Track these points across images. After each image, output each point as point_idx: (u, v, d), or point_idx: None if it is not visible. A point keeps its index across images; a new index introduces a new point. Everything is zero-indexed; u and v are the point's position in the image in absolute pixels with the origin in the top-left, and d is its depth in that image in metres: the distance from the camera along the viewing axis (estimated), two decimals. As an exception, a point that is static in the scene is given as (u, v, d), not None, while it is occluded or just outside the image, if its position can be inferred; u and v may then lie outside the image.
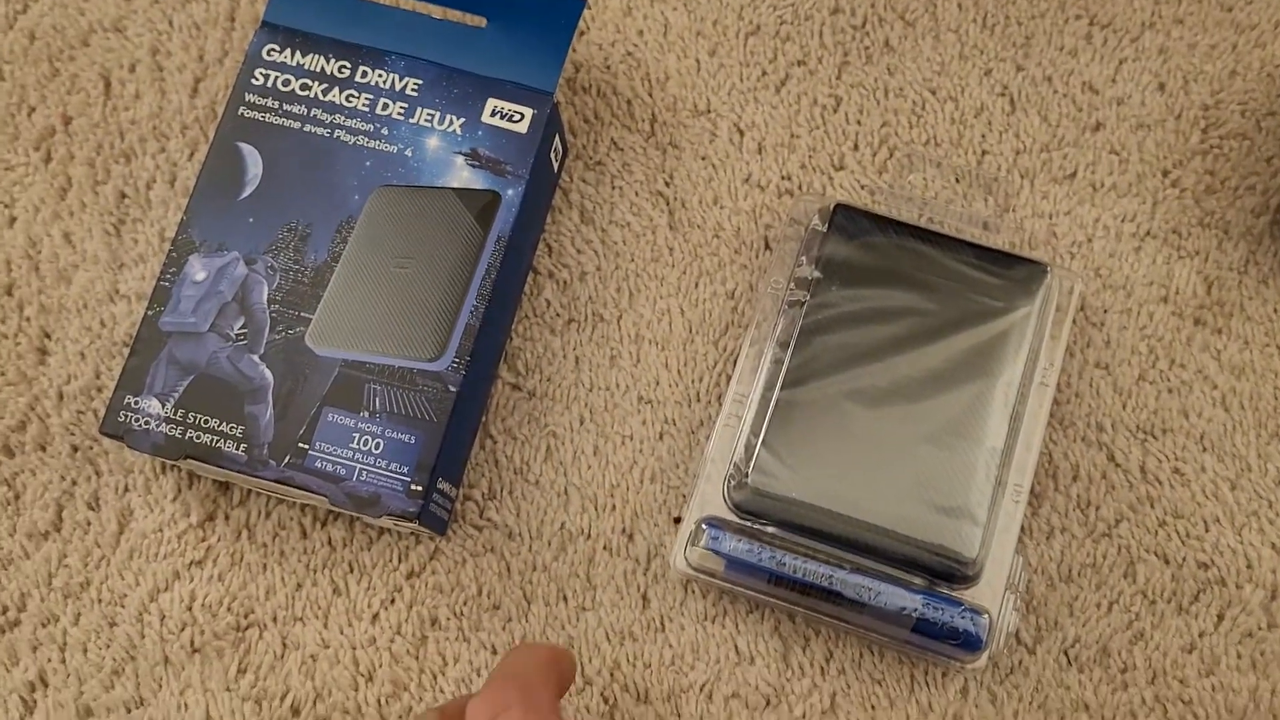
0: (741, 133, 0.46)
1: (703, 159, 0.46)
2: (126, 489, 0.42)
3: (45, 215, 0.45)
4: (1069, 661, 0.40)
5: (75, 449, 0.42)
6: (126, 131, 0.46)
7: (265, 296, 0.39)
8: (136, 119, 0.46)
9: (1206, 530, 0.41)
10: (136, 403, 0.38)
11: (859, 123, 0.46)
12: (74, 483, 0.42)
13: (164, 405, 0.38)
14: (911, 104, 0.46)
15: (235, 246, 0.40)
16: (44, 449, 0.43)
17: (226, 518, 0.42)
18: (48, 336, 0.44)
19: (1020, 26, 0.47)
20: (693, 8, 0.47)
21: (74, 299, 0.44)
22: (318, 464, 0.38)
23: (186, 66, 0.47)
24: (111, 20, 0.48)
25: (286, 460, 0.38)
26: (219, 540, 0.41)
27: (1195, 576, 0.41)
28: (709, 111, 0.46)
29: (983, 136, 0.46)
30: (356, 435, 0.38)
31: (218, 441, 0.38)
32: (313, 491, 0.38)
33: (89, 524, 0.42)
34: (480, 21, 0.42)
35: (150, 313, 0.39)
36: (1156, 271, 0.44)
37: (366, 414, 0.38)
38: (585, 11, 0.47)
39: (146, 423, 0.38)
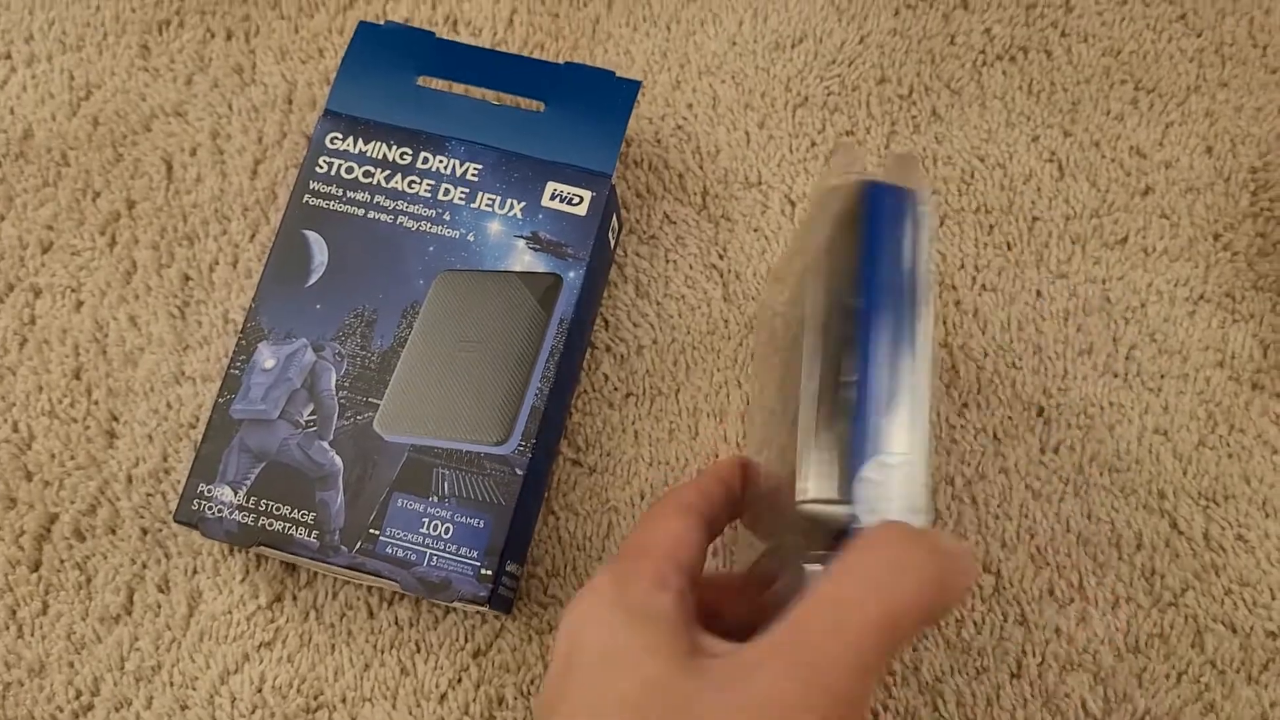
0: (793, 204, 0.46)
1: (755, 230, 0.46)
2: (195, 571, 0.43)
3: (111, 299, 0.46)
4: (1139, 733, 0.40)
5: (145, 532, 0.43)
6: (189, 214, 0.47)
7: (333, 383, 0.40)
8: (198, 202, 0.47)
9: (1273, 598, 0.41)
10: (210, 490, 0.39)
11: (909, 192, 0.46)
12: (144, 566, 0.43)
13: (236, 493, 0.39)
14: (960, 171, 0.46)
15: (303, 333, 0.40)
16: (114, 532, 0.43)
17: (294, 598, 0.42)
18: (115, 419, 0.45)
19: (1066, 93, 0.47)
20: (740, 81, 0.48)
21: (140, 382, 0.45)
22: (388, 549, 0.38)
23: (246, 149, 0.48)
24: (172, 105, 0.49)
25: (358, 546, 0.38)
26: (287, 621, 0.42)
27: (1264, 645, 0.40)
28: (760, 183, 0.47)
29: (1032, 203, 0.46)
30: (426, 520, 0.38)
31: (290, 529, 0.38)
32: (384, 577, 0.38)
33: (159, 607, 0.42)
34: (538, 106, 0.43)
35: (221, 400, 0.40)
36: (1212, 336, 0.44)
37: (435, 499, 0.38)
38: (636, 87, 0.48)
39: (220, 510, 0.39)
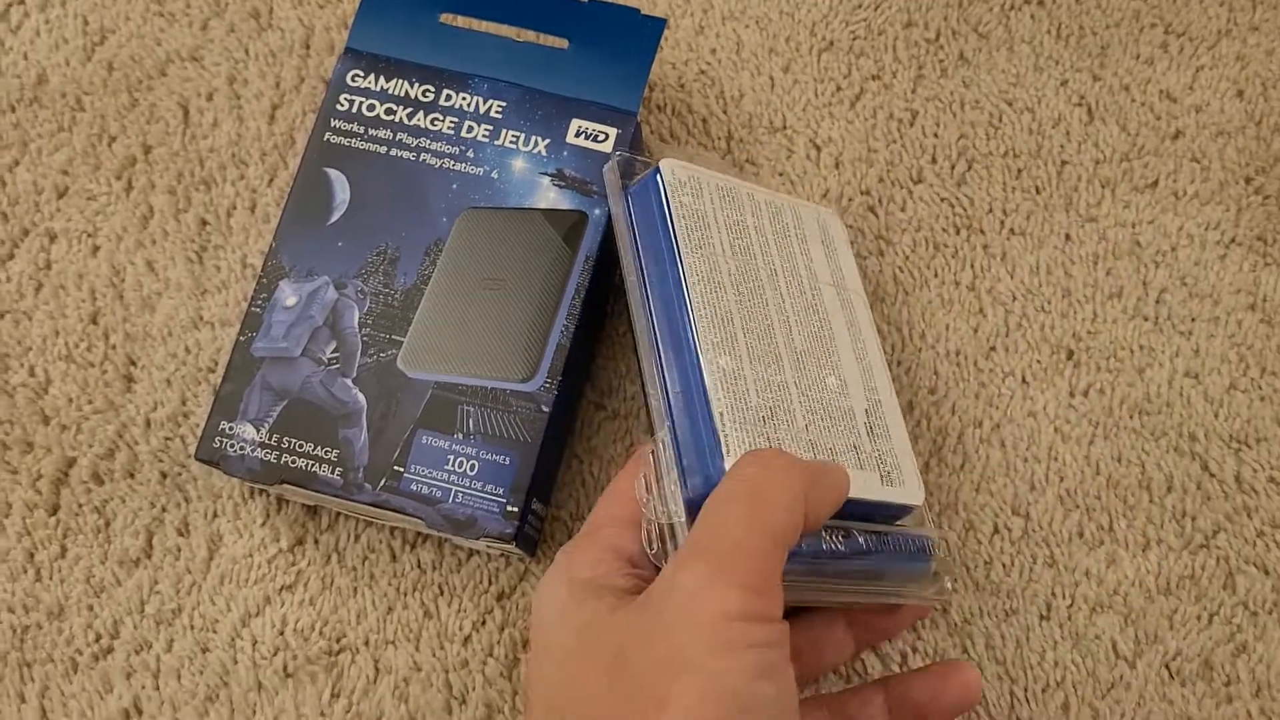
0: (818, 148, 0.46)
1: (780, 175, 0.46)
2: (215, 515, 0.42)
3: (128, 244, 0.46)
4: (1171, 675, 0.39)
5: (164, 475, 0.43)
6: (206, 159, 0.47)
7: (356, 320, 0.39)
8: (215, 147, 0.47)
9: (1307, 540, 0.40)
10: (231, 429, 0.38)
11: (936, 135, 0.46)
12: (163, 509, 0.42)
13: (258, 430, 0.38)
14: (988, 116, 0.46)
15: (325, 271, 0.40)
16: (133, 476, 0.43)
17: (316, 542, 0.42)
18: (133, 364, 0.44)
19: (1095, 36, 0.47)
20: (765, 25, 0.47)
21: (158, 326, 0.44)
22: (413, 487, 0.38)
23: (263, 94, 0.47)
24: (189, 50, 0.48)
25: (382, 483, 0.38)
26: (309, 564, 0.41)
27: (1298, 587, 0.40)
28: (785, 128, 0.46)
29: (1061, 147, 0.45)
30: (451, 457, 0.38)
31: (313, 466, 0.38)
32: (409, 514, 0.38)
33: (179, 550, 0.42)
34: (562, 43, 0.42)
35: (242, 338, 0.39)
36: (1243, 279, 0.44)
37: (460, 436, 0.38)
38: (658, 31, 0.47)
39: (241, 448, 0.38)
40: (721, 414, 0.32)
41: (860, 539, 0.33)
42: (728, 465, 0.31)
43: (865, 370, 0.38)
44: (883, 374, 0.38)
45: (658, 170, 0.36)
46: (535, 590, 0.32)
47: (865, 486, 0.35)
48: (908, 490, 0.36)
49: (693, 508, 0.31)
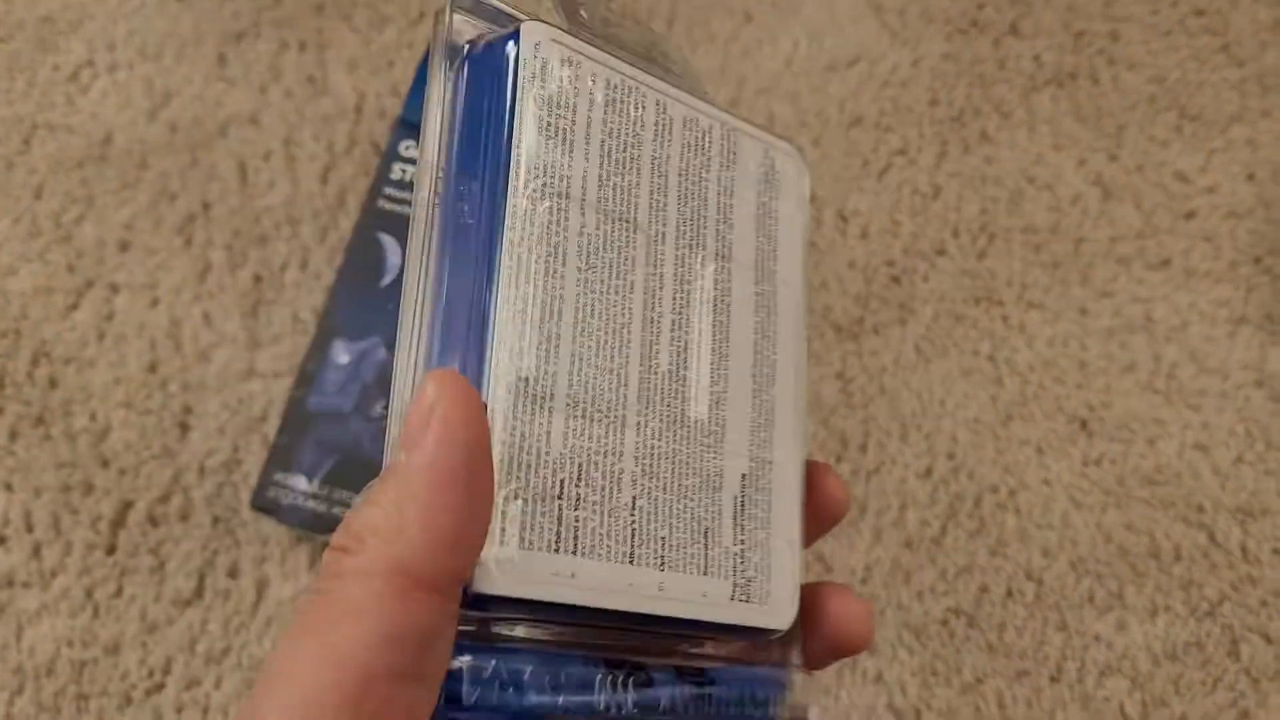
0: (845, 220, 0.48)
1: (810, 245, 0.48)
2: (264, 559, 0.44)
3: (186, 297, 0.48)
4: (1176, 739, 0.41)
5: (216, 520, 0.45)
6: (261, 217, 0.49)
7: (405, 380, 0.41)
8: (270, 205, 0.49)
9: (1309, 611, 0.42)
10: (285, 479, 0.41)
11: (958, 210, 0.48)
12: (215, 553, 0.44)
13: (310, 482, 0.41)
14: (1009, 192, 0.48)
15: (376, 332, 0.42)
16: (186, 519, 0.45)
17: (358, 587, 0.44)
18: (189, 412, 0.46)
19: (1112, 118, 0.49)
20: (796, 100, 0.50)
21: (213, 377, 0.47)
22: (456, 540, 0.40)
23: (316, 156, 0.50)
24: (247, 113, 0.51)
25: (426, 536, 0.40)
26: (351, 609, 0.43)
27: (1300, 657, 0.42)
28: (814, 199, 0.48)
29: (1079, 224, 0.47)
30: (492, 513, 0.40)
31: (362, 518, 0.40)
32: (451, 566, 0.40)
33: (229, 592, 0.44)
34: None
35: (297, 393, 0.42)
36: (1251, 356, 0.45)
37: (501, 492, 0.40)
38: (694, 104, 0.49)
39: (295, 499, 0.40)
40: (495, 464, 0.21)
41: (664, 689, 0.23)
42: (479, 575, 0.21)
43: (762, 411, 0.25)
44: (790, 421, 0.26)
45: (515, 36, 0.23)
46: None
47: (705, 598, 0.24)
48: (770, 609, 0.25)
49: None
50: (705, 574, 0.24)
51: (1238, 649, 0.42)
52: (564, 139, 0.23)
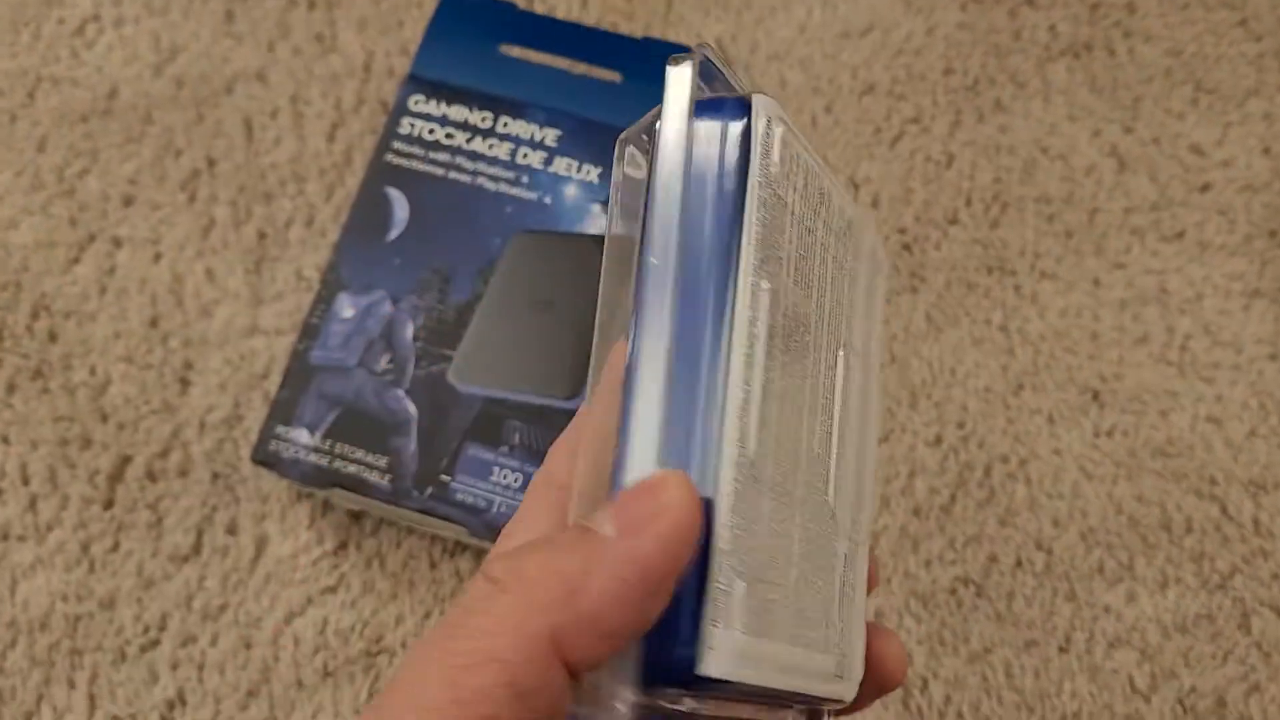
0: (857, 186, 0.47)
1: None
2: (263, 516, 0.44)
3: (189, 253, 0.47)
4: (1185, 711, 0.40)
5: (215, 476, 0.44)
6: (267, 174, 0.48)
7: (410, 334, 0.41)
8: (276, 163, 0.49)
9: (1322, 585, 0.42)
10: (287, 433, 0.40)
11: (971, 179, 0.47)
12: (214, 509, 0.44)
13: (312, 435, 0.40)
14: (1023, 162, 0.47)
15: (382, 286, 0.42)
16: (185, 475, 0.44)
17: (359, 547, 0.43)
18: (190, 368, 0.46)
19: (1128, 90, 0.48)
20: (809, 67, 0.49)
21: (215, 333, 0.46)
22: (459, 496, 0.39)
23: (324, 114, 0.49)
24: (255, 69, 0.50)
25: (429, 492, 0.39)
26: (351, 568, 0.43)
27: (1312, 630, 0.41)
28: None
29: (1093, 195, 0.47)
30: (496, 469, 0.39)
31: (364, 472, 0.39)
32: (454, 522, 0.39)
33: (227, 549, 0.43)
34: (615, 76, 0.44)
35: (300, 346, 0.41)
36: (1265, 329, 0.45)
37: (506, 449, 0.39)
38: (706, 68, 0.49)
39: (296, 452, 0.40)
40: (722, 553, 0.20)
41: None
42: (708, 657, 0.20)
43: (858, 493, 0.26)
44: (870, 498, 0.27)
45: (747, 107, 0.22)
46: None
47: (816, 674, 0.24)
48: (849, 683, 0.25)
49: (645, 686, 0.20)
50: (825, 653, 0.24)
51: (1248, 622, 0.41)
52: (778, 221, 0.22)
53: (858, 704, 0.26)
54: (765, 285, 0.21)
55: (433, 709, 0.19)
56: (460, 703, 0.19)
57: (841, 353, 0.25)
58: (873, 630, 0.26)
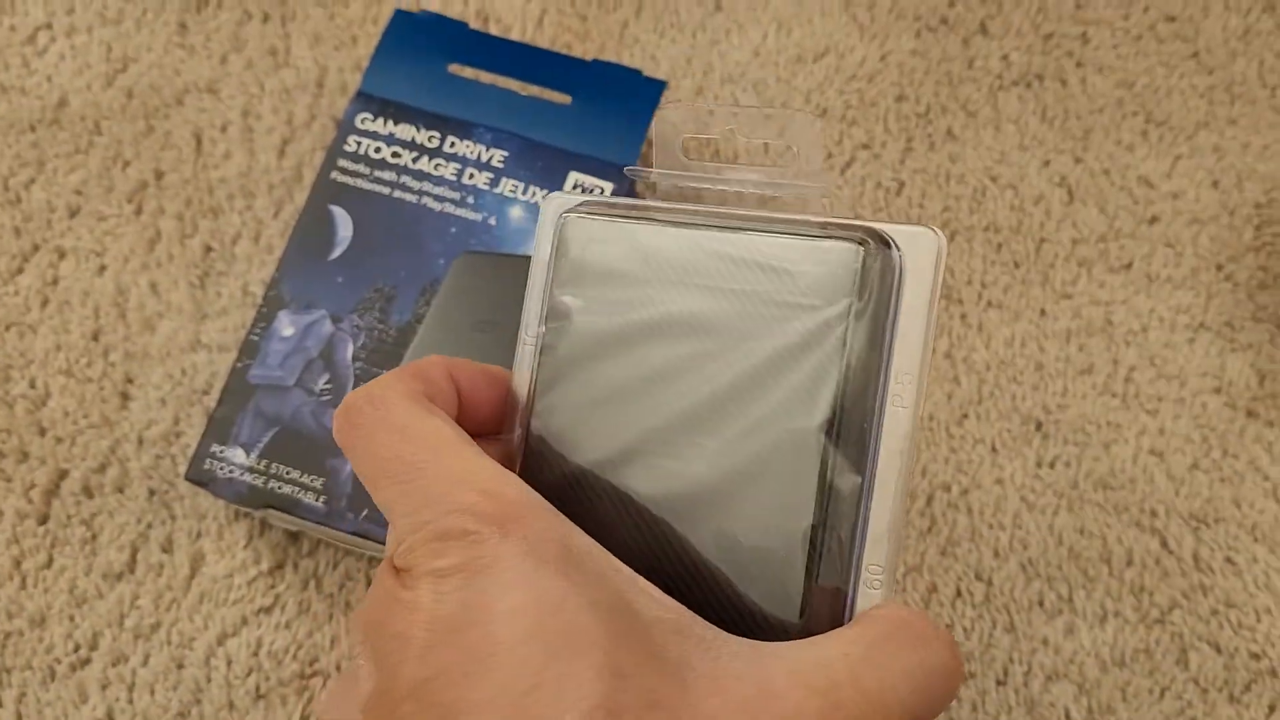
0: (807, 212, 0.47)
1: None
2: (200, 534, 0.43)
3: (134, 265, 0.47)
4: (1120, 745, 0.40)
5: (152, 493, 0.44)
6: (215, 188, 0.48)
7: (350, 354, 0.40)
8: (225, 177, 0.48)
9: (1258, 620, 0.42)
10: (222, 451, 0.40)
11: (921, 206, 0.47)
12: (149, 526, 0.43)
13: (248, 455, 0.40)
14: (972, 190, 0.48)
15: (323, 305, 0.41)
16: (122, 491, 0.44)
17: (296, 567, 0.43)
18: (130, 382, 0.45)
19: (1079, 121, 0.48)
20: (763, 90, 0.49)
21: (157, 347, 0.46)
22: (394, 518, 0.39)
23: (275, 129, 0.49)
24: (206, 82, 0.50)
25: (364, 514, 0.39)
26: (287, 589, 0.43)
27: (1247, 666, 0.41)
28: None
29: (1041, 225, 0.47)
30: (432, 492, 0.39)
31: (298, 493, 0.39)
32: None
33: (162, 567, 0.43)
34: (565, 99, 0.44)
35: (239, 365, 0.41)
36: (1210, 363, 0.45)
37: (443, 471, 0.39)
38: (660, 91, 0.49)
39: (231, 471, 0.39)
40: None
41: None
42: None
43: None
44: None
45: (887, 243, 0.26)
46: (445, 576, 0.22)
47: None
48: None
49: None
50: None
51: (1187, 658, 0.41)
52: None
53: None
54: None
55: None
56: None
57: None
58: None
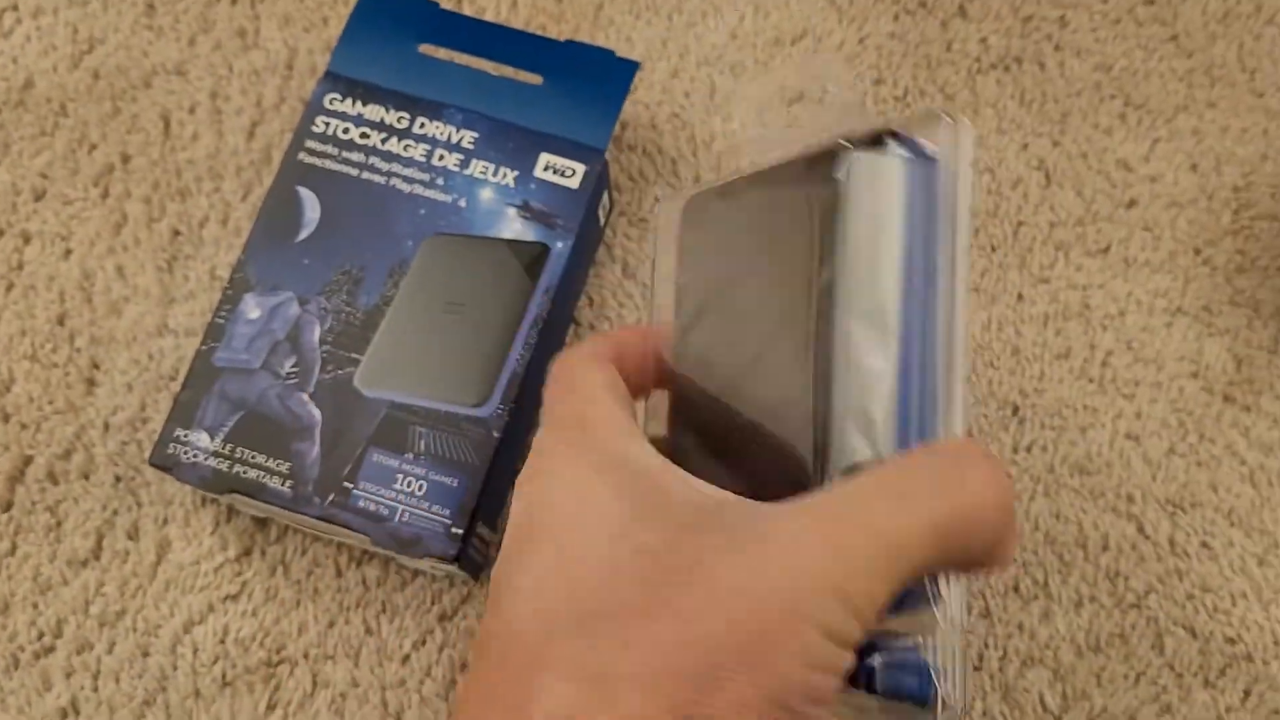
0: (783, 196, 0.47)
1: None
2: (166, 521, 0.43)
3: (100, 249, 0.46)
4: (1095, 731, 0.40)
5: (118, 479, 0.43)
6: (183, 171, 0.47)
7: (317, 337, 0.40)
8: (193, 159, 0.48)
9: (1234, 605, 0.41)
10: (186, 436, 0.39)
11: (898, 190, 0.47)
12: (115, 512, 0.43)
13: (213, 439, 0.39)
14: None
15: (290, 287, 0.41)
16: (87, 478, 0.43)
17: (263, 553, 0.42)
18: (96, 367, 0.45)
19: (1057, 104, 0.48)
20: (739, 73, 0.49)
21: (124, 332, 0.45)
22: (361, 503, 0.38)
23: (244, 111, 0.48)
24: (174, 64, 0.49)
25: (331, 499, 0.38)
26: (254, 575, 0.42)
27: (1222, 651, 0.41)
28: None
29: (1019, 208, 0.47)
30: (400, 476, 0.38)
31: (264, 477, 0.38)
32: (355, 530, 0.38)
33: (128, 554, 0.42)
34: (536, 79, 0.43)
35: (204, 348, 0.40)
36: (1187, 347, 0.45)
37: (411, 455, 0.39)
38: (634, 73, 0.48)
39: (195, 456, 0.39)
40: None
41: None
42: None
43: None
44: None
45: (917, 148, 0.27)
46: (526, 480, 0.27)
47: None
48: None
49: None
50: None
51: (1162, 642, 0.41)
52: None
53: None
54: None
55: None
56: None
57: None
58: None
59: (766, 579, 0.22)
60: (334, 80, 0.43)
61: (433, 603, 0.42)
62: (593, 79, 0.43)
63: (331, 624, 0.41)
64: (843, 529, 0.22)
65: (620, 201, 0.47)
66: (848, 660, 0.22)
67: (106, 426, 0.44)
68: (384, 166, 0.42)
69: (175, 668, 0.41)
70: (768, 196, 0.29)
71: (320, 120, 0.43)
